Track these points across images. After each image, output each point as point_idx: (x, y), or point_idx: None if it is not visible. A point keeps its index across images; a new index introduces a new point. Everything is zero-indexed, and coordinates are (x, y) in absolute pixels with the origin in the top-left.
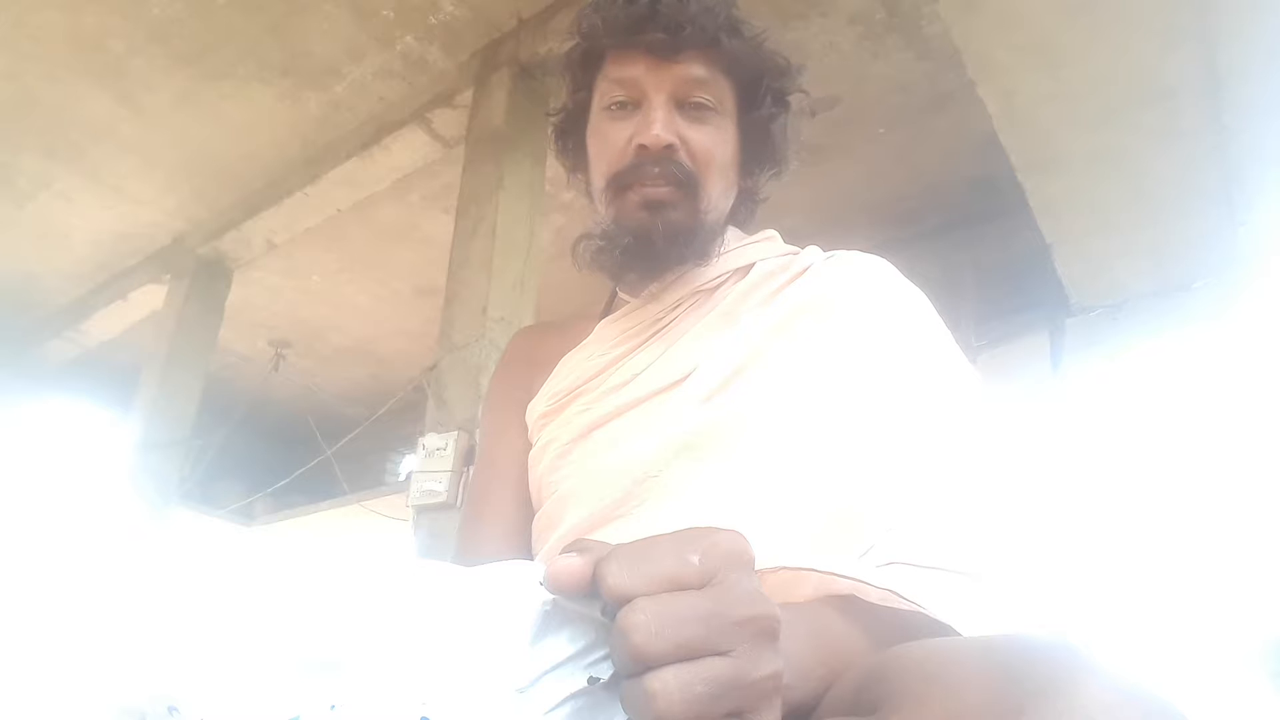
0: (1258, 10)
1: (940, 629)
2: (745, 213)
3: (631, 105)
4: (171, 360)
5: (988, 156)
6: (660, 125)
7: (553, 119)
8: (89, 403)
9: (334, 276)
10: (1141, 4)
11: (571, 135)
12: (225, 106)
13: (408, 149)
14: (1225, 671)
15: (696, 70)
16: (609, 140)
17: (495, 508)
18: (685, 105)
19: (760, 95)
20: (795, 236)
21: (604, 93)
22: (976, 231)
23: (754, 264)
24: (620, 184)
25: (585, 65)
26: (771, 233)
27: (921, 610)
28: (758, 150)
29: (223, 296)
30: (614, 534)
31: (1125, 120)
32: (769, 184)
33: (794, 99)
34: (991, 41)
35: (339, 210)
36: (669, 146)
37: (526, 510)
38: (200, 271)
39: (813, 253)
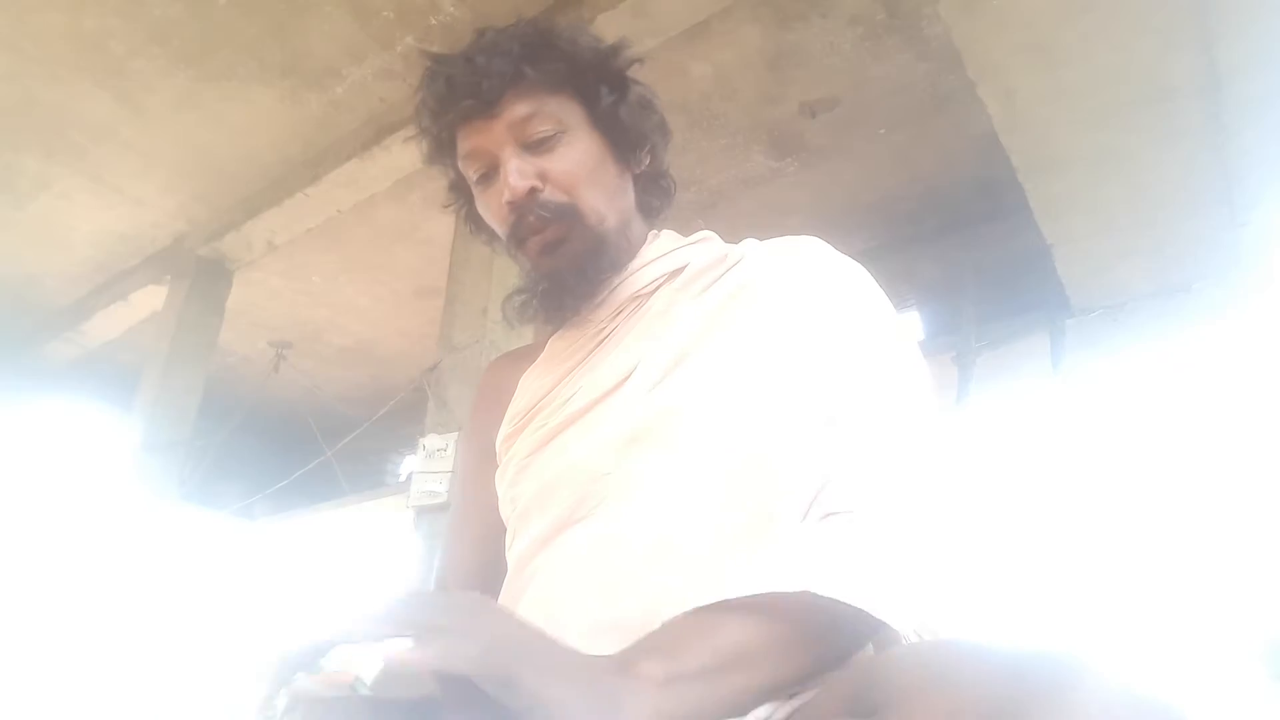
0: (1258, 10)
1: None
2: (659, 198)
3: (490, 170)
4: (172, 361)
5: (988, 157)
6: (514, 175)
7: (453, 209)
8: (90, 403)
9: (334, 277)
10: (1141, 4)
11: (474, 214)
12: (226, 107)
13: (408, 149)
14: (1226, 672)
15: (520, 109)
16: (489, 209)
17: (459, 553)
18: (530, 143)
19: (594, 90)
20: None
21: (465, 170)
22: (977, 232)
23: (688, 264)
24: (515, 241)
25: (443, 153)
26: (708, 233)
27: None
28: (621, 137)
29: (223, 297)
30: (577, 537)
31: (1125, 120)
32: (660, 157)
33: (632, 70)
34: (991, 42)
35: (339, 211)
36: (531, 191)
37: (489, 549)
38: (201, 272)
39: (747, 244)
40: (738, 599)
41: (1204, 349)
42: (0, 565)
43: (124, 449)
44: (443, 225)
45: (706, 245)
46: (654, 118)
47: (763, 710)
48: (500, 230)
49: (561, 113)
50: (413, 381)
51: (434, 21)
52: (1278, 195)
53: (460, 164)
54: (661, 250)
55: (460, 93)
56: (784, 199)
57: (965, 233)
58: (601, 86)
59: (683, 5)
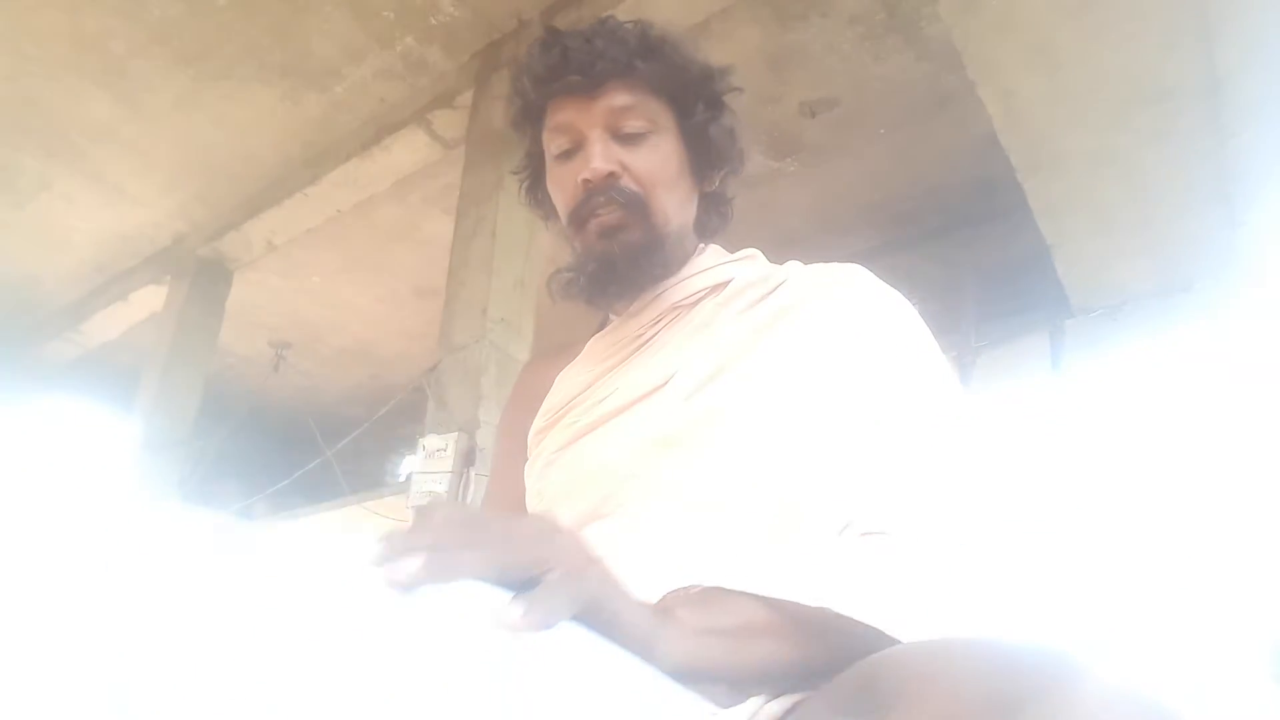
0: (1257, 10)
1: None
2: (717, 220)
3: (574, 147)
4: (172, 361)
5: (988, 157)
6: (598, 158)
7: (518, 177)
8: (90, 404)
9: (334, 277)
10: (1141, 4)
11: (537, 187)
12: (226, 107)
13: (408, 150)
14: (1227, 672)
15: (621, 99)
16: (562, 184)
17: None
18: (621, 134)
19: (692, 103)
20: (797, 237)
21: (549, 142)
22: (977, 232)
23: (732, 279)
24: (578, 219)
25: (529, 120)
26: (753, 251)
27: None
28: (704, 155)
29: (223, 297)
30: (597, 534)
31: (1125, 120)
32: (728, 182)
33: (730, 97)
34: (991, 42)
35: (339, 211)
36: (610, 175)
37: None
38: (201, 272)
39: (792, 266)
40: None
41: (1203, 349)
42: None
43: (124, 449)
44: (443, 225)
45: (751, 263)
46: (736, 146)
47: (749, 706)
48: (565, 207)
49: (656, 114)
50: (413, 381)
51: (434, 21)
52: (1276, 195)
53: (545, 134)
54: (707, 264)
55: (571, 67)
56: (784, 199)
57: (965, 233)
58: (700, 102)
59: (682, 5)
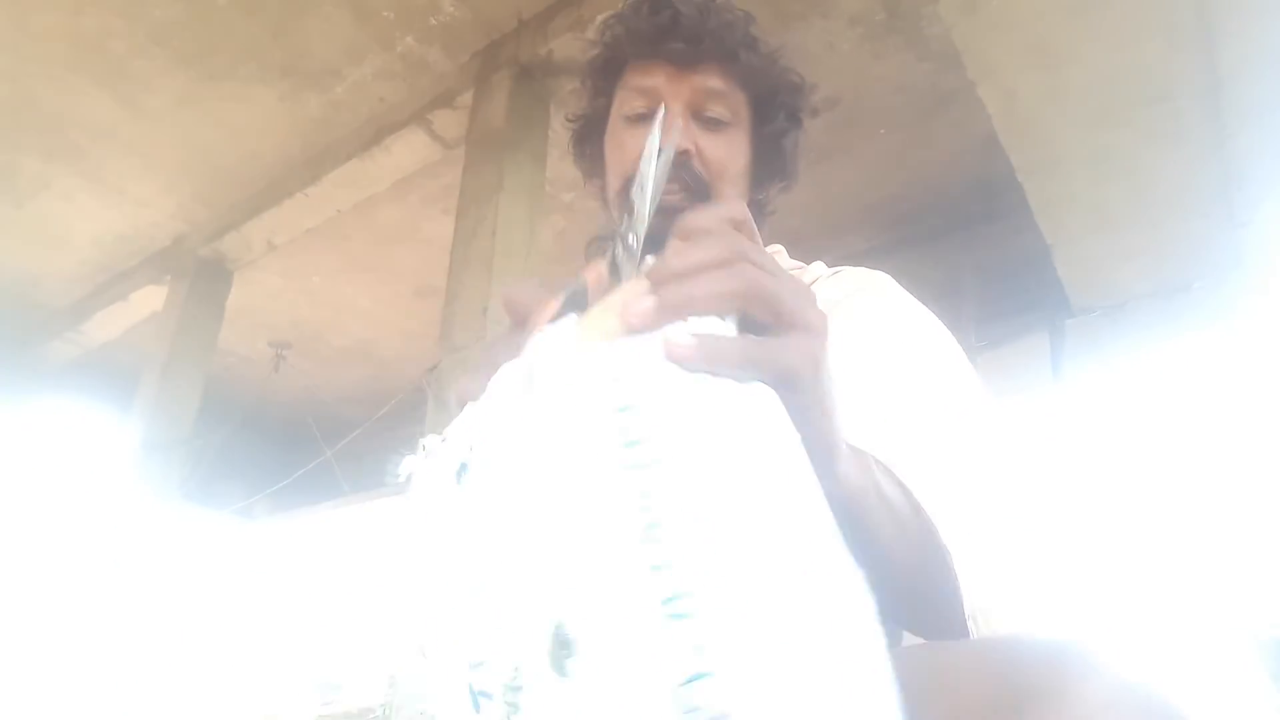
0: (1258, 10)
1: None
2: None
3: (650, 114)
4: (172, 361)
5: (988, 157)
6: (676, 132)
7: (572, 125)
8: (90, 403)
9: (334, 277)
10: (1141, 4)
11: (589, 142)
12: (226, 107)
13: (408, 150)
14: (1226, 671)
15: (714, 82)
16: (626, 147)
17: None
18: (701, 115)
19: (774, 110)
20: (797, 237)
21: (623, 101)
22: (977, 233)
23: None
24: (629, 191)
25: (606, 73)
26: (778, 247)
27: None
28: (769, 163)
29: (223, 297)
30: None
31: (1125, 120)
32: (775, 196)
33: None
34: (991, 42)
35: (339, 211)
36: (684, 153)
37: None
38: (201, 272)
39: (818, 268)
40: None
41: (1204, 349)
42: (1, 566)
43: (124, 449)
44: (443, 225)
45: (780, 258)
46: (798, 164)
47: None
48: (622, 171)
49: (739, 108)
50: (413, 381)
51: (434, 21)
52: (1277, 195)
53: (622, 92)
54: None
55: (679, 34)
56: (784, 199)
57: (965, 233)
58: (782, 112)
59: None
